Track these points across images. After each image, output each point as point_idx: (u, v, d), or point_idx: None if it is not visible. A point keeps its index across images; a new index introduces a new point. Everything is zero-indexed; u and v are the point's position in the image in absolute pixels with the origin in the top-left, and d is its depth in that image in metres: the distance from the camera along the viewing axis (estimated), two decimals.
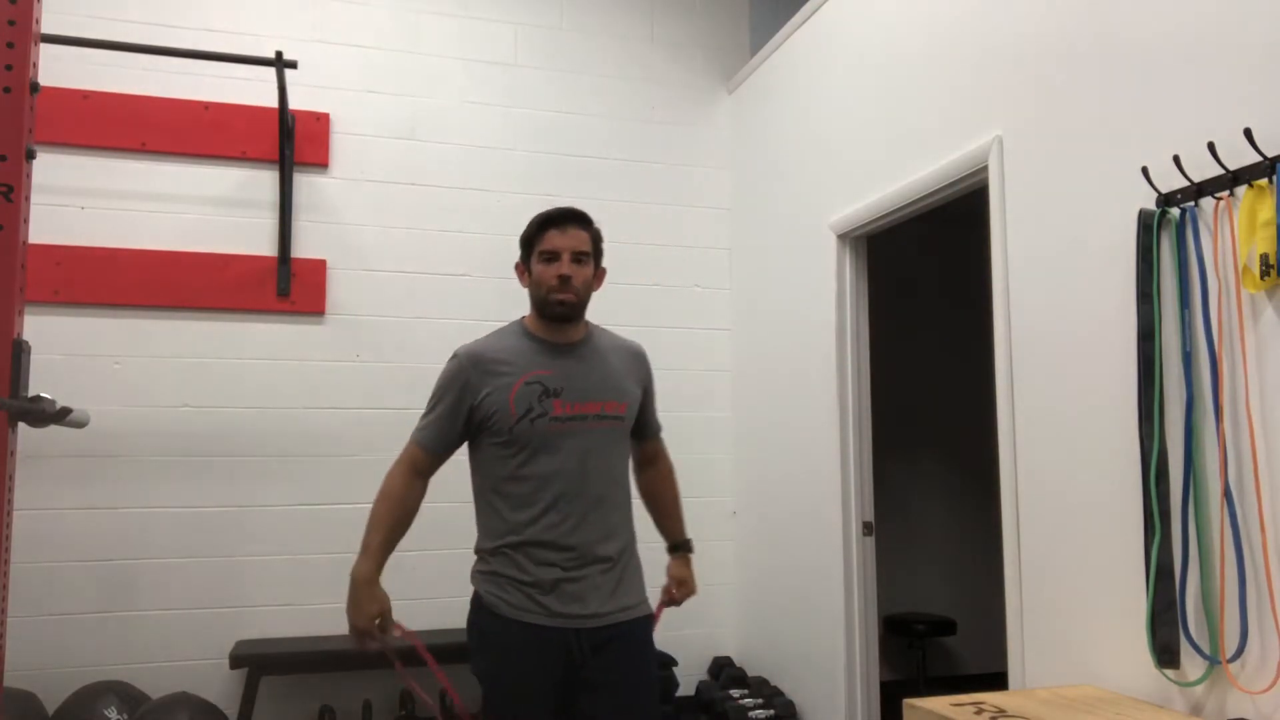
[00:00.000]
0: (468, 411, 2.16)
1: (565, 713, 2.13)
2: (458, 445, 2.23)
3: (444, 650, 3.65)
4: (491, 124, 4.25)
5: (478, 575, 2.19)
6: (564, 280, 2.14)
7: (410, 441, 2.22)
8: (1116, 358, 2.25)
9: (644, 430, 2.39)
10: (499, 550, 2.14)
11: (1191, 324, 2.04)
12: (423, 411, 2.24)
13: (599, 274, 2.26)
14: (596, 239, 2.24)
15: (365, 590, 2.10)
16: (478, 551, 2.22)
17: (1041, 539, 2.48)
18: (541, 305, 2.19)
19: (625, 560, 2.21)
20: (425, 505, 3.99)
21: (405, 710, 3.69)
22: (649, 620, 2.25)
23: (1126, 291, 2.22)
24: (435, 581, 3.93)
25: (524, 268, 2.24)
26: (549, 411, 2.12)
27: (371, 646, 2.14)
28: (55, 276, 3.63)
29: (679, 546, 2.45)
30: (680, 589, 2.40)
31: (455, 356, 2.21)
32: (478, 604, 2.17)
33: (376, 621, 2.11)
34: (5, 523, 1.60)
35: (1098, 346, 2.31)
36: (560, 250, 2.16)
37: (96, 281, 3.67)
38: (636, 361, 2.34)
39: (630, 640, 2.17)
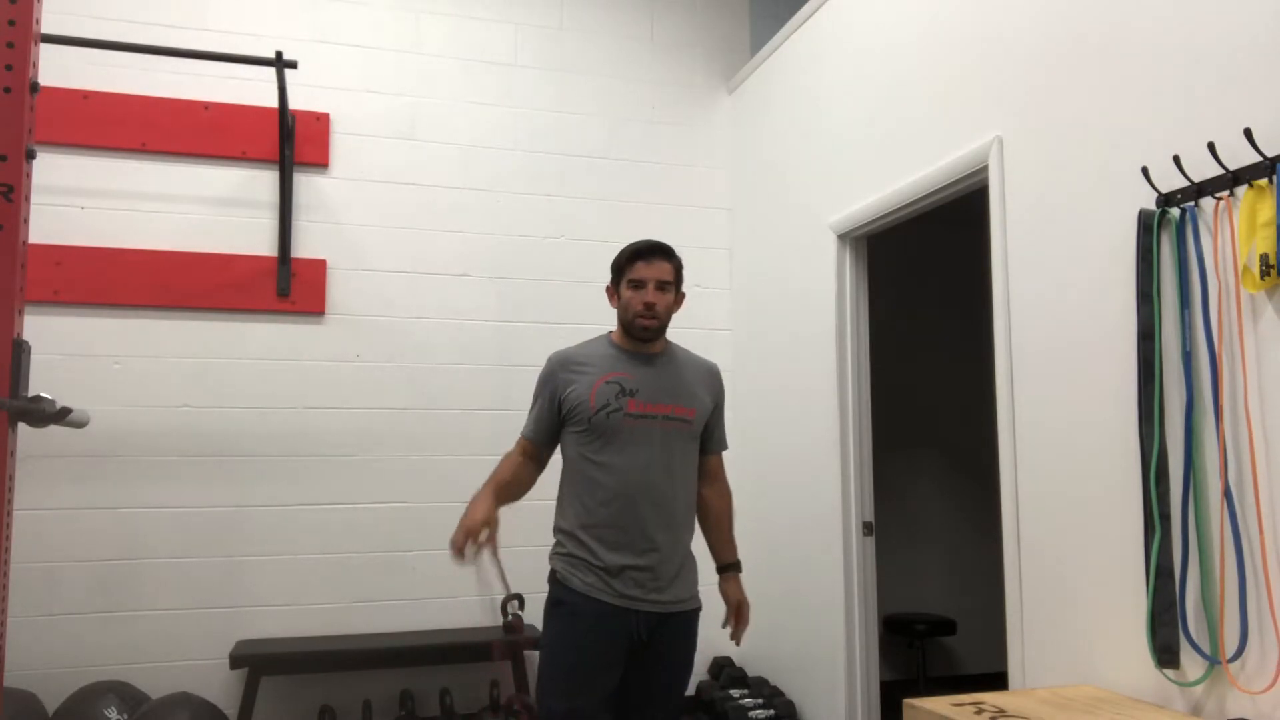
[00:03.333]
0: (558, 403, 2.44)
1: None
2: (559, 433, 2.49)
3: (447, 650, 3.67)
4: (491, 124, 4.25)
5: (555, 556, 2.44)
6: (649, 306, 2.42)
7: (520, 436, 2.53)
8: (1116, 358, 2.25)
9: (709, 443, 2.59)
10: (573, 534, 2.39)
11: (1191, 324, 2.04)
12: (529, 412, 2.53)
13: (679, 298, 2.52)
14: (678, 269, 2.49)
15: (483, 502, 2.35)
16: (556, 533, 2.46)
17: (1042, 539, 2.48)
18: (628, 325, 2.46)
19: (684, 554, 2.44)
20: (424, 505, 4.02)
21: (405, 710, 3.69)
22: (697, 614, 2.46)
23: (1126, 291, 2.22)
24: (436, 581, 3.94)
25: (614, 291, 2.51)
26: (624, 408, 2.38)
27: (466, 553, 2.31)
28: (55, 276, 3.63)
29: (731, 566, 2.60)
30: (742, 613, 2.55)
31: (548, 359, 2.51)
32: (553, 579, 2.42)
33: (483, 532, 2.31)
34: (5, 523, 1.60)
35: (1098, 346, 2.31)
36: (646, 280, 2.42)
37: (96, 281, 3.67)
38: (710, 377, 2.58)
39: (679, 630, 2.41)
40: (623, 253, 2.48)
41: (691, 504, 2.49)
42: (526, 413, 2.57)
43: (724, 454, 2.69)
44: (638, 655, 2.35)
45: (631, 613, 2.33)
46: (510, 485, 2.46)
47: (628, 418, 2.38)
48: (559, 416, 2.46)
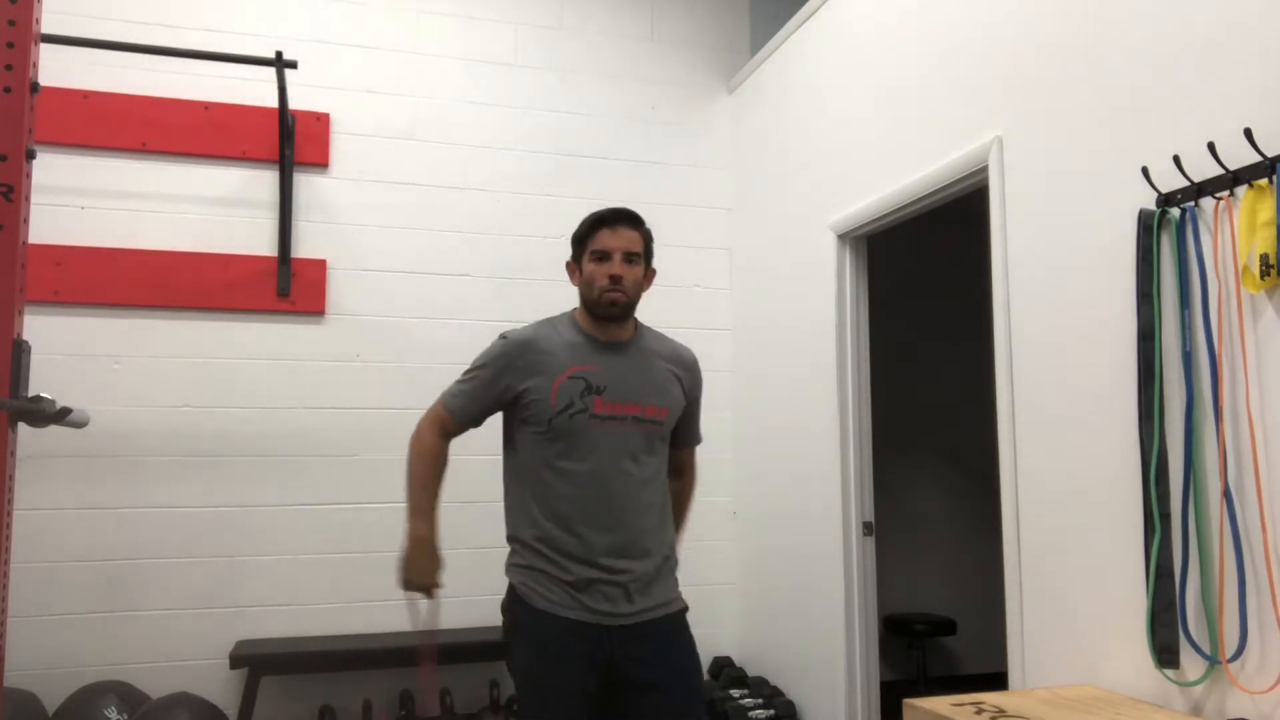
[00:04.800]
0: (504, 393, 2.17)
1: (605, 712, 2.12)
2: (481, 421, 2.25)
3: (447, 650, 3.67)
4: (491, 124, 4.25)
5: (514, 568, 2.18)
6: (615, 280, 2.14)
7: (439, 404, 2.23)
8: (1116, 358, 2.25)
9: (682, 439, 2.35)
10: (533, 545, 2.13)
11: (1191, 324, 2.04)
12: (459, 378, 2.24)
13: (649, 274, 2.25)
14: (648, 239, 2.23)
15: (428, 551, 2.12)
16: (512, 541, 2.20)
17: (1041, 539, 2.48)
18: (592, 304, 2.19)
19: (659, 560, 2.19)
20: None
21: (405, 710, 3.69)
22: (683, 614, 2.23)
23: (1126, 291, 2.22)
24: None
25: (575, 266, 2.24)
26: (589, 408, 2.12)
27: (424, 599, 2.16)
28: (55, 276, 3.63)
29: None
30: None
31: (504, 338, 2.20)
32: (513, 595, 2.16)
33: (438, 580, 2.13)
34: (5, 523, 1.60)
35: (1098, 346, 2.31)
36: (611, 250, 2.16)
37: (96, 281, 3.67)
38: (685, 369, 2.31)
39: (667, 637, 2.16)
40: (583, 222, 2.20)
41: (665, 507, 2.24)
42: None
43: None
44: (622, 675, 2.09)
45: (601, 628, 2.08)
46: (440, 486, 2.20)
47: (593, 419, 2.11)
48: (498, 407, 2.20)
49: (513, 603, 2.16)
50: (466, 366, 2.26)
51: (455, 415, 2.22)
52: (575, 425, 2.11)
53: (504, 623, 2.19)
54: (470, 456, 4.01)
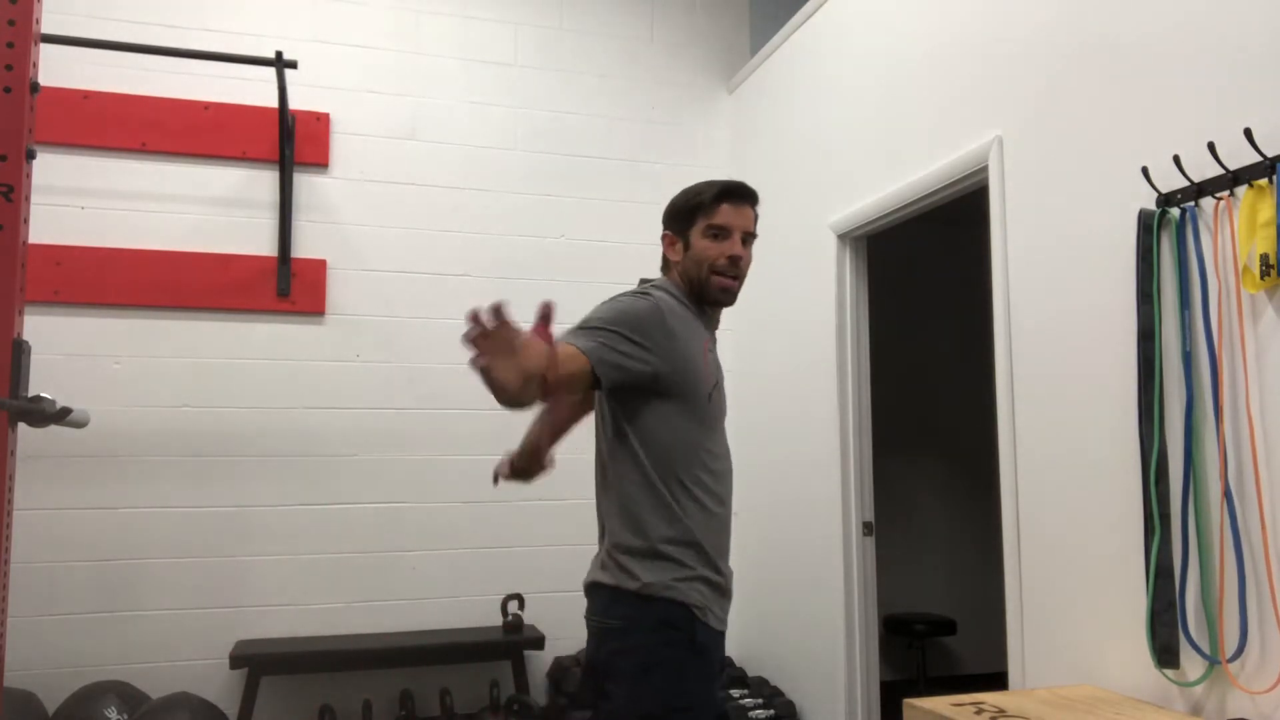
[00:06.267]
0: (651, 364, 1.76)
1: None
2: (598, 389, 1.74)
3: (447, 650, 3.67)
4: (491, 124, 4.25)
5: (682, 583, 1.79)
6: (734, 262, 1.89)
7: (575, 345, 1.68)
8: (1116, 358, 2.25)
9: None
10: (697, 549, 1.82)
11: (1191, 324, 2.04)
12: (584, 329, 1.74)
13: None
14: (757, 221, 1.99)
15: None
16: (650, 552, 1.80)
17: (1041, 539, 2.48)
18: (700, 284, 1.90)
19: None
20: (424, 505, 4.01)
21: (405, 710, 3.69)
22: None
23: (1126, 291, 2.22)
24: (436, 582, 3.93)
25: (676, 239, 1.93)
26: (720, 388, 1.91)
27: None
28: (55, 276, 3.63)
29: None
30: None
31: (648, 296, 1.82)
32: (685, 615, 1.78)
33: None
34: (5, 523, 1.60)
35: (1098, 346, 2.31)
36: (734, 228, 1.89)
37: (96, 281, 3.67)
38: None
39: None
40: (703, 190, 1.90)
41: None
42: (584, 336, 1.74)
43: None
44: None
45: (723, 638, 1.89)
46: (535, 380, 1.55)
47: (723, 401, 1.93)
48: (638, 382, 1.77)
49: (687, 623, 1.78)
50: (588, 318, 1.79)
51: (599, 361, 1.69)
52: (717, 405, 1.88)
53: (652, 649, 1.77)
54: (471, 457, 4.03)
